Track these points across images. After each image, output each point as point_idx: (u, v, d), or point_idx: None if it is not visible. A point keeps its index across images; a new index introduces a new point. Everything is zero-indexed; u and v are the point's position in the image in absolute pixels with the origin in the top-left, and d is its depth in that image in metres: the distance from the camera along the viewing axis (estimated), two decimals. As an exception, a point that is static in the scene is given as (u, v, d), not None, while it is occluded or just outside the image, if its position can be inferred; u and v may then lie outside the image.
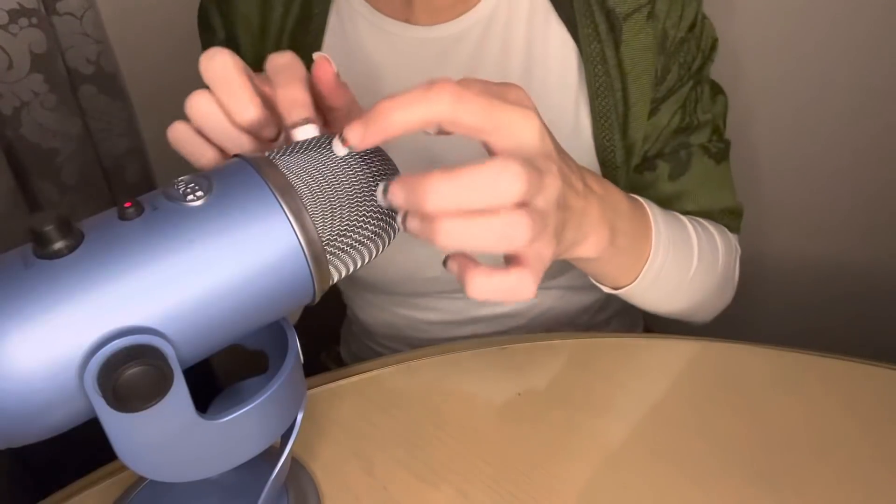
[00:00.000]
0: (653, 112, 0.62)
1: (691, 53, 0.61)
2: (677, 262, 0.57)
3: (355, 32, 0.62)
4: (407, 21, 0.60)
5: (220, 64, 0.38)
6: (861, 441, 0.50)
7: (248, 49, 0.64)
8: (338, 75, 0.41)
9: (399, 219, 0.36)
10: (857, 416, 0.52)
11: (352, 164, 0.37)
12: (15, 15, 0.82)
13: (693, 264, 0.59)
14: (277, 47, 0.62)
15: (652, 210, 0.55)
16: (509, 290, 0.37)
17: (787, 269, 1.06)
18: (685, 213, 0.64)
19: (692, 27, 0.60)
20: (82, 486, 0.49)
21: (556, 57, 0.60)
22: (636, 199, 0.54)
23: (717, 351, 0.58)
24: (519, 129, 0.36)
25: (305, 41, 0.61)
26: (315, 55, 0.41)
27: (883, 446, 0.49)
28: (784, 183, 1.00)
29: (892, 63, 0.87)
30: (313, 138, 0.38)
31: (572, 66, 0.60)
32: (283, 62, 0.40)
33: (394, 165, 0.39)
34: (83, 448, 0.70)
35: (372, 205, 0.36)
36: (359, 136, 0.35)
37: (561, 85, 0.60)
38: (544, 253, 0.38)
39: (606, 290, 0.56)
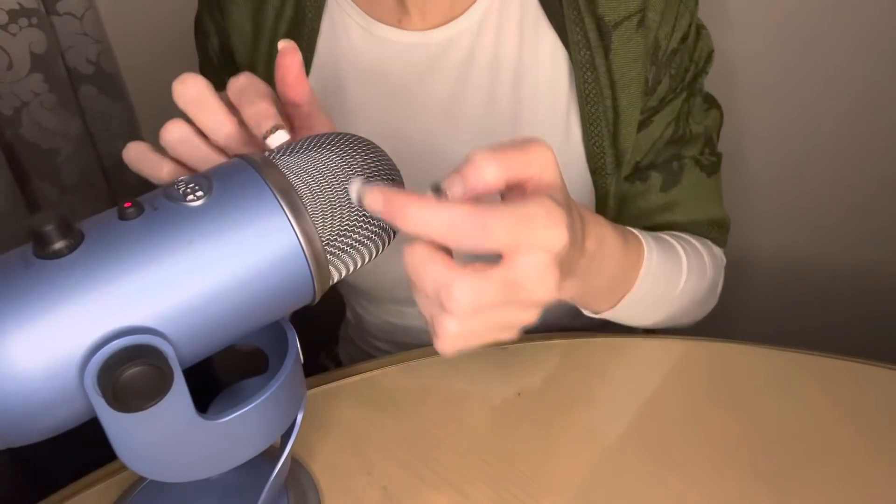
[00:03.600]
0: (646, 123, 0.61)
1: (683, 64, 0.61)
2: (665, 285, 0.57)
3: (347, 37, 0.61)
4: (399, 26, 0.60)
5: (192, 86, 0.40)
6: (858, 441, 0.50)
7: (243, 56, 0.64)
8: (302, 65, 0.43)
9: None
10: (853, 416, 0.52)
11: (352, 165, 0.37)
12: (15, 15, 0.82)
13: (679, 287, 0.59)
14: (270, 53, 0.62)
15: (648, 245, 0.55)
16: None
17: (783, 271, 1.07)
18: (674, 223, 0.64)
19: (685, 38, 0.60)
20: (82, 486, 0.49)
21: (547, 63, 0.59)
22: (632, 236, 0.54)
23: (714, 351, 0.58)
24: (541, 242, 0.36)
25: (298, 46, 0.61)
26: (281, 42, 0.42)
27: (880, 446, 0.50)
28: (779, 188, 1.00)
29: (886, 72, 0.88)
30: (314, 138, 0.38)
31: (563, 73, 0.59)
32: (241, 83, 0.41)
33: (393, 165, 0.39)
34: (83, 448, 0.70)
35: None
36: (459, 190, 0.35)
37: (552, 91, 0.60)
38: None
39: (587, 313, 0.56)
